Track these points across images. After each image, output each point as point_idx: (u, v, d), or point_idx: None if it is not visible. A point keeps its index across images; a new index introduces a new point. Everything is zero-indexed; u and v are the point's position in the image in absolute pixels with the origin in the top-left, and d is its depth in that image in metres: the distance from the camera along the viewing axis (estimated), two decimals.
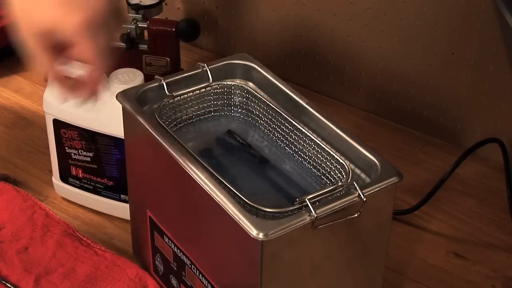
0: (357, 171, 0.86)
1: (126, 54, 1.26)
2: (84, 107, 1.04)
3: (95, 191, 1.10)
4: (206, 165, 0.82)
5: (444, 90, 1.23)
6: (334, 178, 0.86)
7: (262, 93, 0.95)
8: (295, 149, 0.91)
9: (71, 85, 0.84)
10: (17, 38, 0.81)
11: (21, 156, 1.21)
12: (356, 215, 0.80)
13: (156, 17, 1.29)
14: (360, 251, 0.86)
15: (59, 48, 0.81)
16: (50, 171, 1.13)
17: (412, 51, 1.23)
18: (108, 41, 0.82)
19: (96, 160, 1.07)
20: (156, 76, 0.94)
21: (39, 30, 0.79)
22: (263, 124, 0.94)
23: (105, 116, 1.03)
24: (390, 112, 1.29)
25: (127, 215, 1.05)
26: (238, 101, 0.97)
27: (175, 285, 0.96)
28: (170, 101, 0.93)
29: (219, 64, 0.97)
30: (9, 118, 1.28)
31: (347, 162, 0.85)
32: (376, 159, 0.84)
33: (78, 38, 0.79)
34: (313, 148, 0.88)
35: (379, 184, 0.81)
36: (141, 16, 1.27)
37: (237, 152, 0.92)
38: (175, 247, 0.92)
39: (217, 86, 0.96)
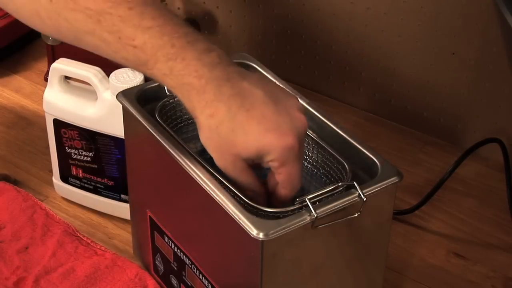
0: (357, 171, 0.86)
1: None
2: (84, 107, 1.05)
3: (95, 191, 1.10)
4: (206, 165, 0.82)
5: (444, 90, 1.23)
6: (334, 178, 0.85)
7: None
8: None
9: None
10: (220, 166, 0.79)
11: (21, 156, 1.21)
12: (356, 215, 0.80)
13: None
14: (360, 251, 0.86)
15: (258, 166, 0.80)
16: (50, 171, 1.13)
17: (412, 51, 1.23)
18: (302, 168, 0.80)
19: (96, 160, 1.07)
20: None
21: (240, 156, 0.77)
22: None
23: (105, 116, 1.03)
24: (390, 112, 1.29)
25: (127, 215, 1.05)
26: None
27: (175, 285, 0.96)
28: (170, 101, 0.93)
29: None
30: (9, 118, 1.28)
31: (347, 162, 0.84)
32: (376, 159, 0.84)
33: (286, 161, 0.77)
34: (314, 148, 0.88)
35: (379, 184, 0.81)
36: None
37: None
38: (175, 247, 0.92)
39: None
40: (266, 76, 0.81)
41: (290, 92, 0.87)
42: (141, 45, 0.78)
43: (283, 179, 0.79)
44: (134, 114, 0.89)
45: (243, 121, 0.76)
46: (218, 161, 0.79)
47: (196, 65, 0.77)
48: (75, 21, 0.80)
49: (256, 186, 0.81)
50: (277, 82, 0.95)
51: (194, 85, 0.77)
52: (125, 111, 0.92)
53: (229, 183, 0.81)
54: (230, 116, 0.76)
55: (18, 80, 1.37)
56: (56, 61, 1.06)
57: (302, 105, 0.81)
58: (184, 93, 0.78)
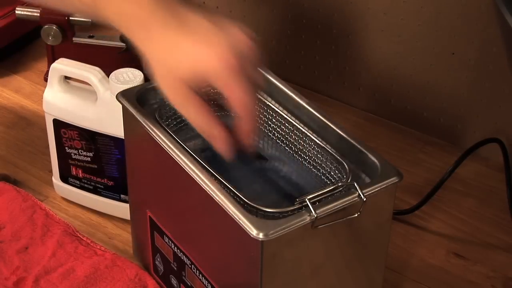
0: (357, 171, 0.86)
1: (126, 54, 1.26)
2: (84, 107, 1.05)
3: (95, 191, 1.10)
4: (206, 165, 0.82)
5: (444, 90, 1.23)
6: (334, 178, 0.85)
7: (262, 93, 0.95)
8: (295, 149, 0.91)
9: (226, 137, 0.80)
10: (164, 94, 0.79)
11: (21, 156, 1.21)
12: (356, 215, 0.80)
13: None
14: (360, 251, 0.86)
15: (208, 98, 0.79)
16: (50, 171, 1.13)
17: (412, 51, 1.23)
18: (253, 90, 0.78)
19: (96, 160, 1.07)
20: None
21: (183, 77, 0.77)
22: (263, 124, 0.94)
23: (105, 116, 1.03)
24: (390, 112, 1.29)
25: (127, 215, 1.05)
26: None
27: (175, 285, 0.96)
28: None
29: None
30: (9, 118, 1.28)
31: (347, 162, 0.84)
32: (376, 159, 0.84)
33: (227, 79, 0.76)
34: (313, 148, 0.88)
35: (379, 184, 0.81)
36: None
37: (237, 152, 0.92)
38: (175, 247, 0.92)
39: None
40: (212, 11, 0.81)
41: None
42: None
43: (232, 101, 0.77)
44: (134, 114, 0.89)
45: (178, 41, 0.76)
46: (166, 93, 0.78)
47: (142, 1, 0.78)
48: None
49: (210, 119, 0.79)
50: (277, 82, 0.95)
51: (138, 18, 0.78)
52: (125, 111, 0.92)
53: (229, 183, 0.81)
54: (169, 41, 0.77)
55: (18, 80, 1.37)
56: (56, 61, 1.06)
57: (249, 31, 0.79)
58: (129, 28, 0.79)
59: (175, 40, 0.77)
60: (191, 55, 0.76)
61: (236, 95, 0.77)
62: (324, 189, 0.80)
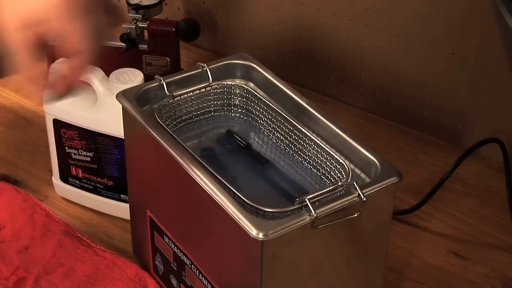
0: (357, 171, 0.86)
1: (126, 54, 1.26)
2: (84, 107, 1.05)
3: (95, 191, 1.10)
4: (206, 165, 0.82)
5: (444, 90, 1.23)
6: (334, 178, 0.86)
7: (262, 93, 0.95)
8: (295, 149, 0.91)
9: (52, 81, 0.81)
10: (2, 32, 0.78)
11: (21, 156, 1.21)
12: (356, 215, 0.80)
13: (156, 17, 1.28)
14: (360, 251, 0.86)
15: (42, 45, 0.78)
16: (50, 171, 1.13)
17: (412, 51, 1.23)
18: (94, 28, 0.78)
19: (96, 160, 1.07)
20: (156, 76, 0.94)
21: (21, 22, 0.77)
22: (263, 124, 0.94)
23: (105, 116, 1.03)
24: (390, 112, 1.29)
25: (127, 215, 1.05)
26: (238, 101, 0.97)
27: (175, 285, 0.96)
28: (170, 101, 0.93)
29: (219, 64, 0.97)
30: (9, 118, 1.28)
31: (347, 162, 0.85)
32: (376, 159, 0.84)
33: (59, 21, 0.76)
34: (313, 148, 0.88)
35: (379, 184, 0.81)
36: (141, 16, 1.27)
37: (237, 152, 0.92)
38: (175, 247, 0.92)
39: (217, 86, 0.96)
40: None
41: None
42: None
43: (69, 45, 0.79)
44: (134, 114, 0.89)
45: None
46: (6, 32, 0.78)
47: None
48: None
49: (34, 66, 0.79)
50: (277, 82, 0.95)
51: None
52: (125, 111, 0.92)
53: (229, 183, 0.81)
54: None
55: (18, 80, 1.36)
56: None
57: None
58: None
59: None
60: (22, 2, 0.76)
61: (70, 36, 0.78)
62: (324, 189, 0.80)
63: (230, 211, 0.78)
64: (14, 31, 0.77)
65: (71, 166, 1.09)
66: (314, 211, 0.77)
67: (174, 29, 1.26)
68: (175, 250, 0.92)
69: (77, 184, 1.10)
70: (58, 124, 1.06)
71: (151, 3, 1.27)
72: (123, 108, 0.92)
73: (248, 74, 0.97)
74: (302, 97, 0.92)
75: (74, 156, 1.08)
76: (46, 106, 1.07)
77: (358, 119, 1.30)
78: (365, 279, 0.89)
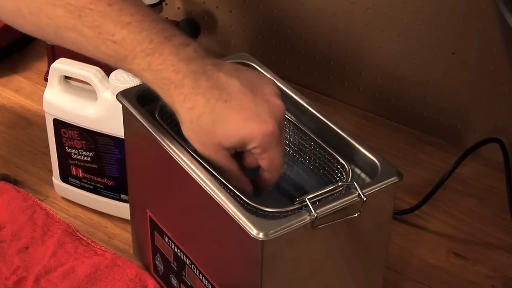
0: (357, 171, 0.86)
1: None
2: (84, 106, 1.05)
3: (95, 191, 1.10)
4: (206, 165, 0.82)
5: (444, 90, 1.23)
6: (334, 178, 0.85)
7: None
8: (295, 149, 0.91)
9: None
10: (200, 151, 0.81)
11: (21, 156, 1.21)
12: (356, 215, 0.80)
13: None
14: (360, 251, 0.86)
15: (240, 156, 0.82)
16: (50, 171, 1.13)
17: (412, 51, 1.23)
18: (284, 151, 0.83)
19: (96, 160, 1.07)
20: None
21: (223, 146, 0.79)
22: None
23: (105, 116, 1.03)
24: (390, 112, 1.29)
25: (127, 215, 1.05)
26: None
27: (175, 285, 0.96)
28: None
29: None
30: (9, 118, 1.28)
31: (347, 162, 0.84)
32: (376, 159, 0.84)
33: (268, 147, 0.79)
34: (314, 148, 0.88)
35: (379, 184, 0.81)
36: None
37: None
38: (175, 247, 0.92)
39: None
40: (241, 65, 0.84)
41: (266, 76, 0.89)
42: (120, 40, 0.79)
43: (267, 164, 0.81)
44: (134, 114, 0.89)
45: (222, 112, 0.78)
46: (202, 152, 0.81)
47: (173, 59, 0.79)
48: (56, 16, 0.81)
49: (240, 174, 0.83)
50: (277, 82, 0.95)
51: (172, 79, 0.79)
52: (125, 111, 0.92)
53: (228, 182, 0.81)
54: (209, 108, 0.78)
55: (18, 80, 1.37)
56: (56, 61, 1.06)
57: (278, 89, 0.83)
58: (162, 88, 0.80)
59: (217, 110, 0.78)
60: (236, 126, 0.78)
61: (271, 156, 0.80)
62: (324, 189, 0.80)
63: (230, 211, 0.78)
64: (218, 153, 0.80)
65: (71, 166, 1.09)
66: (314, 211, 0.77)
67: None
68: (175, 250, 0.92)
69: (77, 184, 1.10)
70: (58, 124, 1.06)
71: (151, 3, 1.27)
72: (123, 108, 0.92)
73: None
74: (302, 97, 0.92)
75: (74, 156, 1.08)
76: (46, 106, 1.07)
77: (358, 119, 1.30)
78: (365, 279, 0.89)
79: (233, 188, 0.81)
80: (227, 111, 0.78)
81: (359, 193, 0.79)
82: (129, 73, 0.82)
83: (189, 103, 0.79)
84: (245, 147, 0.79)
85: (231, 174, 0.82)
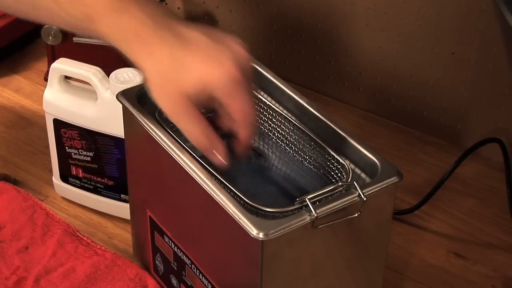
0: (357, 171, 0.86)
1: None
2: (84, 106, 1.05)
3: (95, 190, 1.10)
4: (205, 165, 0.82)
5: (444, 90, 1.23)
6: (334, 178, 0.85)
7: (262, 93, 0.95)
8: (295, 149, 0.91)
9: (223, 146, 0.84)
10: (161, 106, 0.81)
11: (21, 156, 1.21)
12: (356, 214, 0.80)
13: None
14: (360, 251, 0.86)
15: (206, 111, 0.82)
16: (50, 171, 1.13)
17: (412, 51, 1.23)
18: (253, 101, 0.82)
19: (96, 160, 1.07)
20: None
21: (187, 91, 0.79)
22: (263, 124, 0.94)
23: (106, 116, 1.03)
24: (390, 112, 1.29)
25: (127, 215, 1.05)
26: None
27: (175, 284, 0.96)
28: None
29: None
30: (9, 118, 1.28)
31: (347, 162, 0.84)
32: (376, 159, 0.84)
33: (232, 92, 0.79)
34: (314, 148, 0.88)
35: (379, 184, 0.81)
36: None
37: (237, 152, 0.92)
38: (175, 247, 0.92)
39: None
40: (207, 27, 0.86)
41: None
42: (89, 2, 0.81)
43: (236, 114, 0.80)
44: (134, 114, 0.89)
45: (184, 59, 0.79)
46: (165, 107, 0.81)
47: (141, 16, 0.80)
48: None
49: (211, 131, 0.82)
50: (277, 82, 0.95)
51: (138, 35, 0.80)
52: (125, 111, 0.92)
53: (229, 183, 0.81)
54: (173, 57, 0.79)
55: (18, 80, 1.37)
56: (56, 61, 1.06)
57: (244, 44, 0.83)
58: (128, 44, 0.81)
59: (179, 56, 0.79)
60: (196, 70, 0.79)
61: (239, 105, 0.80)
62: (324, 188, 0.80)
63: (230, 211, 0.78)
64: (177, 103, 0.80)
65: (71, 166, 1.09)
66: (315, 211, 0.77)
67: None
68: (175, 250, 0.92)
69: (77, 184, 1.10)
70: (58, 124, 1.06)
71: None
72: (123, 108, 0.92)
73: None
74: (302, 97, 0.92)
75: (74, 156, 1.08)
76: (46, 106, 1.07)
77: (358, 119, 1.30)
78: (365, 279, 0.89)
79: (206, 155, 0.80)
80: (189, 57, 0.79)
81: (359, 193, 0.79)
82: (95, 36, 0.83)
83: (154, 56, 0.80)
84: (209, 92, 0.79)
85: (200, 131, 0.81)
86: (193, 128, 0.81)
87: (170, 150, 0.84)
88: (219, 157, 0.82)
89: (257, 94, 0.94)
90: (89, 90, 1.04)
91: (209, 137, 0.81)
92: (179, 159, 0.83)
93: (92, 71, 1.03)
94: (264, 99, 0.93)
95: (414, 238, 1.09)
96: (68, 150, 1.08)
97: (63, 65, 1.05)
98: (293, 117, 0.91)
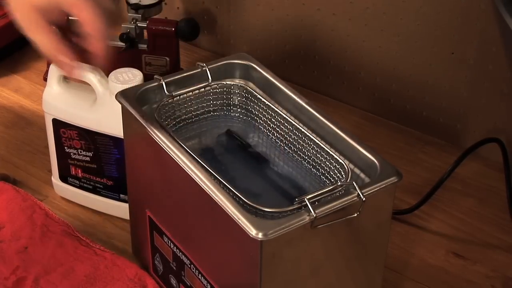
0: (357, 171, 0.86)
1: (126, 54, 1.26)
2: (84, 106, 1.05)
3: (94, 190, 1.10)
4: (205, 165, 0.82)
5: (444, 90, 1.23)
6: (334, 178, 0.85)
7: (261, 93, 0.95)
8: (294, 149, 0.91)
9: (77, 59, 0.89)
10: (17, 21, 0.85)
11: (20, 156, 1.21)
12: (355, 215, 0.80)
13: (155, 16, 1.28)
14: (359, 251, 0.86)
15: (58, 25, 0.86)
16: (50, 171, 1.13)
17: (412, 51, 1.23)
18: (106, 10, 0.86)
19: (95, 160, 1.07)
20: (155, 76, 0.94)
21: (36, 7, 0.83)
22: (263, 124, 0.94)
23: (105, 116, 1.03)
24: (390, 112, 1.29)
25: (126, 215, 1.05)
26: (238, 101, 0.97)
27: (175, 285, 0.96)
28: (170, 101, 0.93)
29: (219, 63, 0.97)
30: (9, 118, 1.28)
31: (347, 162, 0.85)
32: (376, 159, 0.84)
33: (74, 3, 0.84)
34: (313, 148, 0.88)
35: (379, 184, 0.81)
36: (140, 15, 1.27)
37: (236, 152, 0.92)
38: (175, 247, 0.92)
39: (216, 86, 0.96)
40: None
41: None
42: None
43: (85, 27, 0.85)
44: (134, 114, 0.89)
45: None
46: (19, 20, 0.86)
47: None
48: None
49: (56, 40, 0.86)
50: (277, 82, 0.95)
51: None
52: (125, 111, 0.92)
53: (228, 183, 0.81)
54: None
55: (17, 79, 1.37)
56: None
57: None
58: None
59: None
60: None
61: (86, 17, 0.85)
62: (324, 189, 0.80)
63: (230, 211, 0.78)
64: (28, 16, 0.85)
65: (71, 166, 1.09)
66: (314, 211, 0.77)
67: (173, 29, 1.26)
68: (175, 250, 0.92)
69: (77, 184, 1.10)
70: (58, 124, 1.06)
71: (151, 2, 1.27)
72: (123, 108, 0.92)
73: (247, 74, 0.97)
74: (301, 97, 0.92)
75: (73, 156, 1.08)
76: (46, 106, 1.07)
77: (358, 119, 1.30)
78: (364, 279, 0.89)
79: (55, 63, 0.86)
80: None
81: (358, 193, 0.79)
82: None
83: None
84: (56, 5, 0.84)
85: (47, 40, 0.85)
86: (41, 38, 0.86)
87: (169, 150, 0.84)
88: (67, 61, 0.87)
89: (256, 94, 0.94)
90: (89, 90, 1.04)
91: (55, 45, 0.86)
92: (178, 159, 0.83)
93: (92, 71, 1.03)
94: (263, 99, 0.93)
95: (413, 238, 1.09)
96: (67, 150, 1.08)
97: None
98: (293, 117, 0.91)
